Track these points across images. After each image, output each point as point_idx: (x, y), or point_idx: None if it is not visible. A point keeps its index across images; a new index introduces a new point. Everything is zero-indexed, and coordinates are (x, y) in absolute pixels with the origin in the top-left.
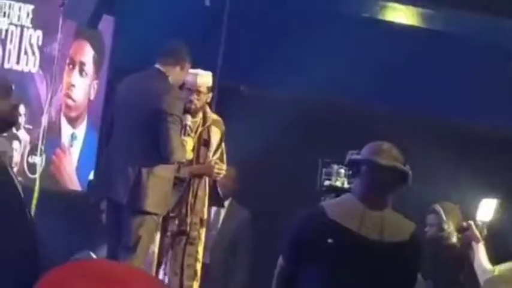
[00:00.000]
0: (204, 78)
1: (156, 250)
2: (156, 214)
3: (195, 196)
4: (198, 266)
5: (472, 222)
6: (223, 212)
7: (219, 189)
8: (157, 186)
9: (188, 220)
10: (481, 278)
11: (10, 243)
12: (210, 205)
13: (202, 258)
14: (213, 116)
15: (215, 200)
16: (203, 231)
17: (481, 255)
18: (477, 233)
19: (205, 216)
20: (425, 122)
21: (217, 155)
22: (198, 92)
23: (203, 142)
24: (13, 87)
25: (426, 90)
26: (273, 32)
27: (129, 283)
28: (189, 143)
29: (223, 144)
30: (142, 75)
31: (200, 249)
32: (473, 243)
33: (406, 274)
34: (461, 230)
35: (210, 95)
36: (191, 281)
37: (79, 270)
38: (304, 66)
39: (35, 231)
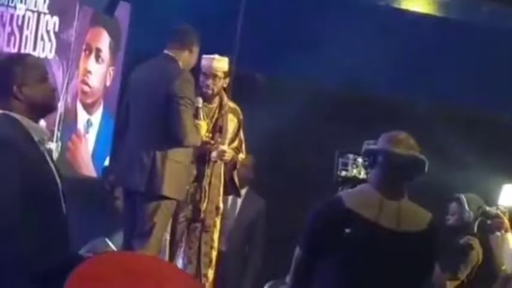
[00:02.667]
0: (221, 62)
1: (168, 236)
2: (172, 199)
3: (210, 183)
4: (214, 254)
5: (496, 209)
6: (239, 200)
7: (236, 179)
8: (174, 171)
9: (202, 207)
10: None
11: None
12: (225, 194)
13: (218, 246)
14: (230, 103)
15: (231, 189)
16: (218, 219)
17: (511, 242)
18: (507, 221)
19: (221, 205)
20: (444, 111)
21: (235, 143)
22: (214, 76)
23: (218, 129)
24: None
25: (445, 79)
26: (289, 20)
27: (163, 279)
28: (203, 126)
29: (241, 133)
30: (152, 62)
31: (215, 237)
32: (500, 232)
33: (423, 264)
34: (487, 215)
35: (227, 80)
36: (206, 269)
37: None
38: (320, 54)
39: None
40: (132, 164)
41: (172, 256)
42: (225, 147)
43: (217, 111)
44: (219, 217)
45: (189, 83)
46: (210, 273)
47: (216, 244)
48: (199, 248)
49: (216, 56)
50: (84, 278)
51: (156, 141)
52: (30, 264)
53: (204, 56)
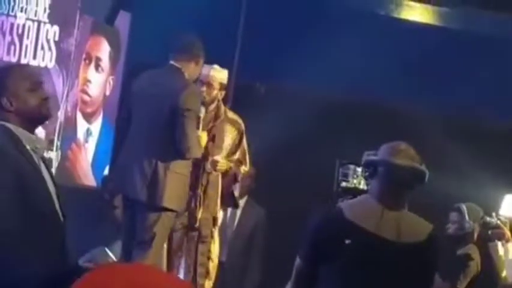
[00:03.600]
0: (218, 72)
1: (165, 245)
2: (172, 210)
3: (205, 191)
4: (211, 265)
5: (497, 219)
6: (239, 210)
7: (236, 192)
8: (174, 182)
9: (198, 215)
10: None
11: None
12: (223, 206)
13: (219, 256)
14: (230, 114)
15: (229, 201)
16: (216, 230)
17: (511, 252)
18: (508, 231)
19: (219, 216)
20: (444, 120)
21: (236, 155)
22: (209, 85)
23: (211, 137)
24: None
25: (444, 88)
26: (290, 30)
27: None
28: (203, 137)
29: (244, 145)
30: (158, 72)
31: (213, 247)
32: (500, 242)
33: (423, 275)
34: (487, 226)
35: (222, 93)
36: (203, 280)
37: (121, 276)
38: (320, 64)
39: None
40: (132, 172)
41: (171, 264)
42: (218, 157)
43: (212, 120)
44: (217, 228)
45: (195, 95)
46: (207, 284)
47: (213, 255)
48: (195, 258)
49: (216, 66)
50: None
51: (159, 151)
52: (27, 273)
53: (205, 64)
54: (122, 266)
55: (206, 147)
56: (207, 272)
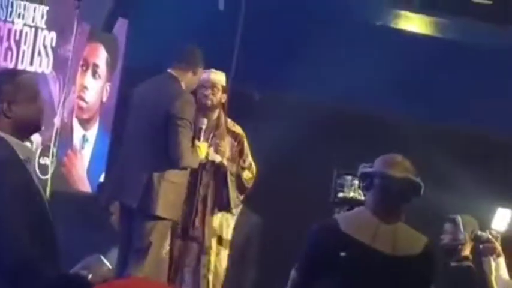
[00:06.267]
0: (218, 75)
1: (164, 254)
2: (167, 219)
3: (204, 202)
4: (211, 277)
5: (488, 233)
6: (234, 217)
7: (230, 194)
8: (169, 191)
9: (195, 223)
10: None
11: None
12: (216, 208)
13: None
14: (230, 125)
15: (222, 202)
16: (214, 241)
17: (502, 268)
18: (499, 246)
19: (218, 223)
20: (441, 131)
21: (236, 163)
22: (213, 87)
23: (211, 145)
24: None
25: (440, 99)
26: (286, 39)
27: None
28: (203, 147)
29: (247, 153)
30: (155, 80)
31: (213, 259)
32: (491, 257)
33: (419, 287)
34: (478, 240)
35: (225, 96)
36: None
37: None
38: (317, 72)
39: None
40: (128, 180)
41: (174, 274)
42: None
43: (213, 130)
44: (215, 238)
45: (189, 104)
46: None
47: (212, 266)
48: (197, 269)
49: (214, 70)
50: None
51: (154, 160)
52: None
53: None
54: (118, 283)
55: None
56: (208, 284)
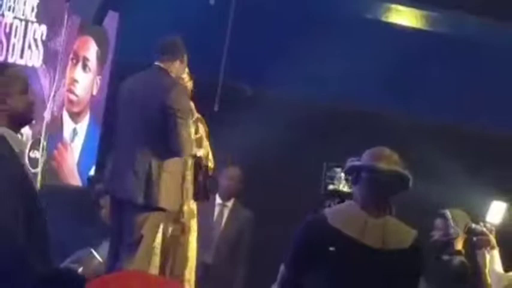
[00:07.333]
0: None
1: (158, 246)
2: (164, 210)
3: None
4: (189, 255)
5: (483, 226)
6: (226, 212)
7: (207, 186)
8: (169, 182)
9: (184, 209)
10: (496, 286)
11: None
12: (197, 199)
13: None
14: (195, 112)
15: (203, 194)
16: (194, 222)
17: (496, 261)
18: (493, 239)
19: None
20: (433, 125)
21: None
22: (181, 78)
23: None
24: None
25: (431, 93)
26: (277, 33)
27: None
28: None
29: (207, 143)
30: (144, 74)
31: (192, 238)
32: (485, 249)
33: (408, 281)
34: (472, 232)
35: (191, 83)
36: (182, 270)
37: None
38: (307, 67)
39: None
40: (124, 174)
41: (165, 259)
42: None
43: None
44: (195, 219)
45: (184, 94)
46: (188, 273)
47: (190, 246)
48: (174, 249)
49: None
50: None
51: (151, 152)
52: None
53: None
54: (110, 277)
55: None
56: (186, 260)
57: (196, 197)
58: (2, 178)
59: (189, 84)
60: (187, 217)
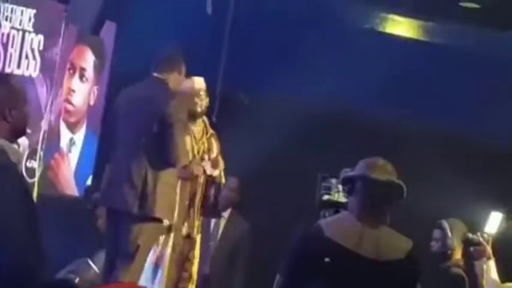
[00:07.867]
0: (200, 81)
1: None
2: (158, 222)
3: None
4: (194, 269)
5: (480, 236)
6: (222, 222)
7: (218, 199)
8: (165, 193)
9: (195, 224)
10: None
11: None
12: (205, 215)
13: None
14: (210, 129)
15: (212, 211)
16: (199, 237)
17: (492, 271)
18: (489, 249)
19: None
20: (429, 135)
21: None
22: (199, 95)
23: (207, 151)
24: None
25: (428, 102)
26: (274, 42)
27: None
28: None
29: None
30: (142, 85)
31: (197, 253)
32: (483, 259)
33: None
34: (469, 243)
35: (208, 100)
36: (186, 284)
37: None
38: (304, 76)
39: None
40: (121, 185)
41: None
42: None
43: (204, 133)
44: (199, 234)
45: (182, 105)
46: (190, 286)
47: (196, 260)
48: (183, 263)
49: (194, 77)
50: None
51: (147, 162)
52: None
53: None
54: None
55: (202, 159)
56: (190, 276)
57: (205, 213)
58: (7, 189)
59: (205, 102)
60: (196, 232)
